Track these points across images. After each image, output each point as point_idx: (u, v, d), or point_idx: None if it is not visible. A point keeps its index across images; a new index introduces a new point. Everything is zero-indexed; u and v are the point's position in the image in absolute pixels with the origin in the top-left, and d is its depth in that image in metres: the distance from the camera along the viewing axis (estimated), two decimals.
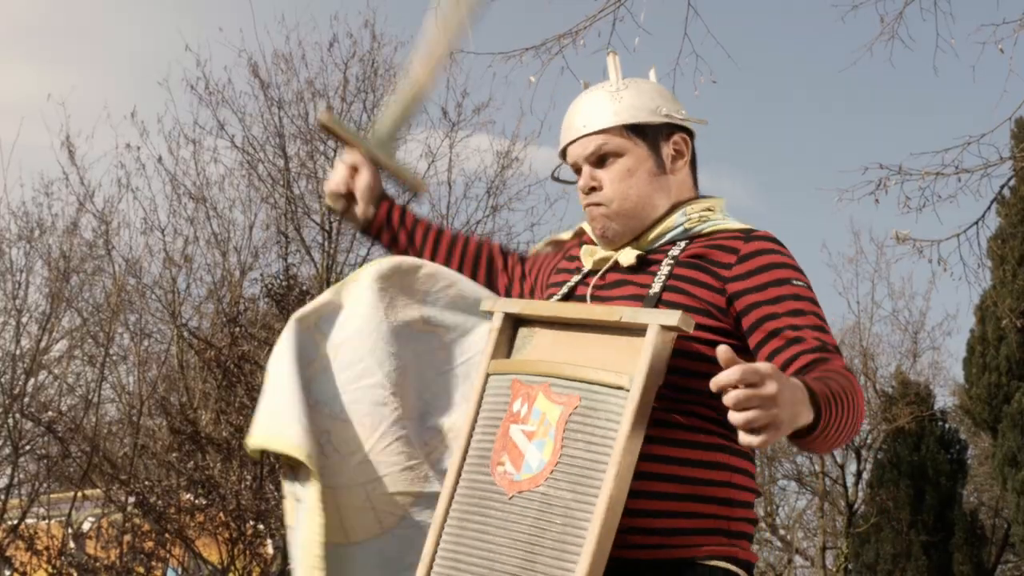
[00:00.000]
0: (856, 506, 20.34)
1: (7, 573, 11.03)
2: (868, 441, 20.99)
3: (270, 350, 9.98)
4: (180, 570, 11.19)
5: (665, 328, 1.84)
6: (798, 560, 22.26)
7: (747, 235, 2.05)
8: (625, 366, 1.85)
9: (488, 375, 1.96)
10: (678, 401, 1.92)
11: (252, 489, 10.08)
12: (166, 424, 11.14)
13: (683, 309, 1.88)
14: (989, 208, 8.50)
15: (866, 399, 19.75)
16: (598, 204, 2.10)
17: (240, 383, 10.46)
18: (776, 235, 2.08)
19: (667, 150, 2.12)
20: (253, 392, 10.29)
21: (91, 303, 14.13)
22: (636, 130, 2.10)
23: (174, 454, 10.52)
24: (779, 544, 22.72)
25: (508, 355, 1.99)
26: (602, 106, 2.12)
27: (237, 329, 11.06)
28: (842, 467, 21.12)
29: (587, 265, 2.12)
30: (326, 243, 14.19)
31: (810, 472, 21.82)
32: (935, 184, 7.67)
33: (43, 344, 12.69)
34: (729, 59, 8.36)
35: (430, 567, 1.89)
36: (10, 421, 12.01)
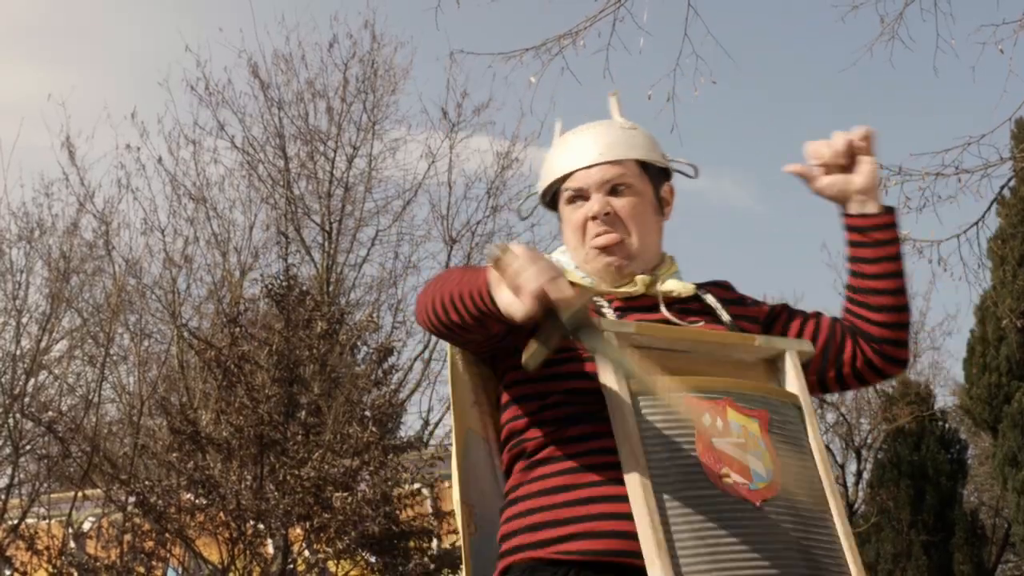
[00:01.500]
0: (856, 506, 20.34)
1: (7, 573, 11.03)
2: (868, 441, 21.00)
3: (270, 350, 9.91)
4: (180, 570, 11.18)
5: (800, 353, 1.95)
6: None
7: (724, 284, 2.17)
8: (772, 385, 1.94)
9: (636, 394, 1.81)
10: None
11: (252, 489, 10.07)
12: (166, 424, 11.14)
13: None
14: (989, 208, 8.51)
15: (866, 399, 19.56)
16: (612, 231, 2.05)
17: (240, 383, 10.45)
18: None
19: (663, 195, 2.14)
20: (253, 392, 10.29)
21: (91, 303, 14.14)
22: (647, 169, 2.11)
23: (174, 454, 10.51)
24: None
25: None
26: (619, 138, 2.10)
27: (237, 329, 11.05)
28: (842, 467, 21.13)
29: (637, 289, 2.04)
30: (326, 243, 14.20)
31: None
32: (935, 184, 7.67)
33: (43, 344, 12.69)
34: (729, 59, 8.37)
35: None
36: (10, 421, 12.01)
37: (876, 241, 2.04)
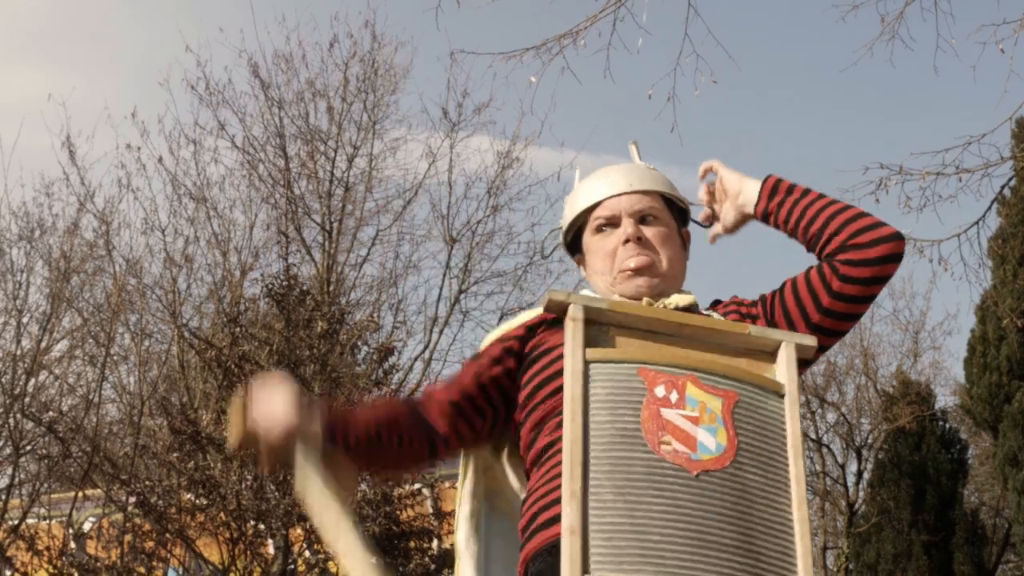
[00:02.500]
0: (857, 506, 20.34)
1: (8, 573, 11.03)
2: (869, 441, 21.00)
3: (270, 350, 9.90)
4: (181, 570, 11.18)
5: (798, 347, 1.96)
6: None
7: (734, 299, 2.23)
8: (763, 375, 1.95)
9: (588, 362, 1.90)
10: None
11: (253, 489, 10.07)
12: (167, 424, 11.14)
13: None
14: (990, 208, 8.51)
15: (867, 398, 19.61)
16: (645, 254, 2.11)
17: (241, 383, 10.45)
18: None
19: (684, 235, 2.24)
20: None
21: (92, 303, 14.13)
22: (670, 205, 2.20)
23: (175, 454, 10.51)
24: None
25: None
26: (646, 173, 2.20)
27: (238, 329, 11.05)
28: (843, 467, 21.13)
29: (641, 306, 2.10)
30: (326, 243, 14.19)
31: (810, 472, 21.81)
32: (936, 184, 7.68)
33: (44, 344, 12.69)
34: (730, 59, 8.38)
35: (585, 536, 1.77)
36: (11, 421, 12.00)
37: (778, 208, 2.12)
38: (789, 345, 1.94)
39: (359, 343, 12.15)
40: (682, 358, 1.92)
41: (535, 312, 2.15)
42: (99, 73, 28.09)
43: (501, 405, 2.13)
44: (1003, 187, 9.06)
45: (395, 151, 15.15)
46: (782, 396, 1.91)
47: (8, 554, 11.13)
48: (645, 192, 2.15)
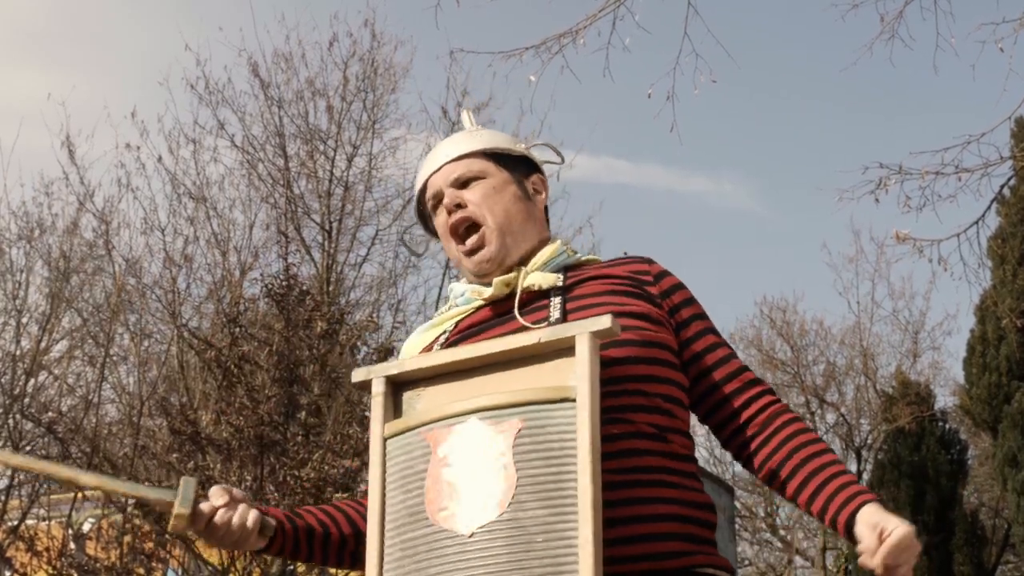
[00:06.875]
0: None
1: (8, 574, 11.03)
2: (868, 441, 21.01)
3: (270, 350, 9.84)
4: (180, 571, 11.18)
5: (595, 335, 1.80)
6: (798, 561, 22.26)
7: (644, 258, 2.07)
8: (559, 383, 1.81)
9: (385, 439, 1.87)
10: (643, 408, 1.89)
11: (252, 490, 10.06)
12: (166, 425, 11.13)
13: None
14: (989, 208, 8.53)
15: (866, 399, 19.68)
16: (461, 214, 2.07)
17: (240, 383, 10.45)
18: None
19: (528, 185, 2.14)
20: (253, 392, 10.28)
21: (91, 303, 14.13)
22: (497, 157, 2.12)
23: (174, 455, 10.51)
24: (779, 545, 22.73)
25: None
26: (463, 138, 2.16)
27: (237, 329, 11.04)
28: None
29: (497, 292, 2.00)
30: (326, 243, 14.19)
31: None
32: (935, 183, 7.70)
33: (43, 344, 12.68)
34: (729, 59, 8.38)
35: None
36: (10, 422, 12.00)
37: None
38: (584, 337, 1.78)
39: (359, 343, 12.14)
40: (470, 399, 1.82)
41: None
42: (99, 73, 28.11)
43: None
44: (1002, 187, 9.08)
45: (395, 150, 15.15)
46: (573, 401, 1.77)
47: (8, 555, 11.13)
48: (462, 156, 2.10)
